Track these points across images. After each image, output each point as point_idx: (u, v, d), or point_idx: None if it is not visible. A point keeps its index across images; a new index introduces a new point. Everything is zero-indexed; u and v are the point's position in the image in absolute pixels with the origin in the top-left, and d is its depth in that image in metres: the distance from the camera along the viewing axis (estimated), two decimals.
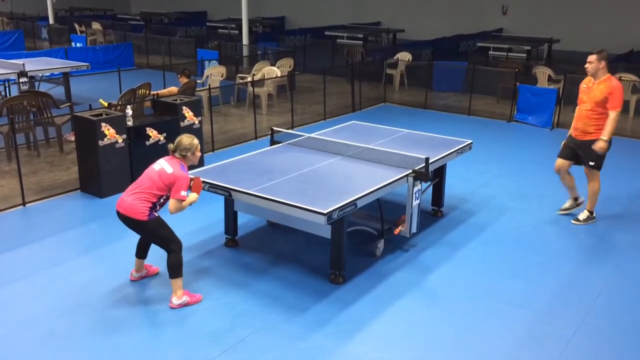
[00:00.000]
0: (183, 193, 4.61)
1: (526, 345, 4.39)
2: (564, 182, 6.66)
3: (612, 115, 6.04)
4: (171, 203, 4.63)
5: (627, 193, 7.49)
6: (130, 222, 4.70)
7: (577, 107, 6.39)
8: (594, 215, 6.57)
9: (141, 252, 5.08)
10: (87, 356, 4.18)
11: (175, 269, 4.71)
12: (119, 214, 4.75)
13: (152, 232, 4.75)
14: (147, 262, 5.20)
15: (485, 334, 4.52)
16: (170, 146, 4.80)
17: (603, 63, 6.08)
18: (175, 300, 4.73)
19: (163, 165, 4.70)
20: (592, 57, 6.12)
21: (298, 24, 24.61)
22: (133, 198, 4.64)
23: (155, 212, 4.71)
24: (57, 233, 6.15)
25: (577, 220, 6.55)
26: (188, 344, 4.31)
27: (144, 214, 4.62)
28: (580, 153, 6.37)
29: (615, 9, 19.49)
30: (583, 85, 6.35)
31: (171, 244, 4.72)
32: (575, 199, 6.73)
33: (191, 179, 4.81)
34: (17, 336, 4.41)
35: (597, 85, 6.13)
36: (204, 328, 4.51)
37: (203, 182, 5.08)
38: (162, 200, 4.71)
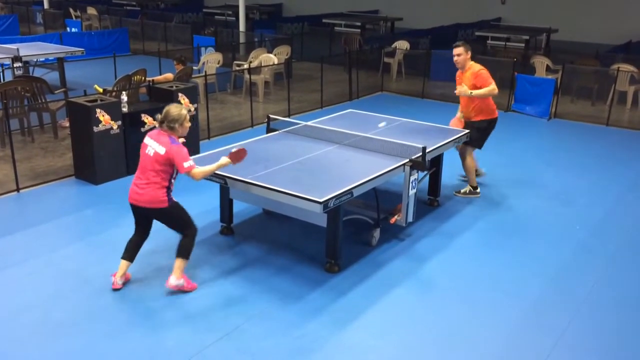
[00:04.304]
0: (187, 164, 4.48)
1: (521, 335, 4.40)
2: (463, 163, 6.93)
3: (488, 87, 6.55)
4: (190, 176, 4.54)
5: (622, 183, 7.49)
6: (150, 212, 4.63)
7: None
8: (478, 190, 6.91)
9: (132, 253, 4.80)
10: (81, 342, 4.17)
11: (186, 250, 4.68)
12: (136, 208, 4.63)
13: (173, 216, 4.67)
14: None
15: (480, 323, 4.52)
16: (158, 116, 4.62)
17: (469, 54, 6.60)
18: (174, 281, 4.67)
19: (154, 147, 4.53)
20: (459, 50, 6.56)
21: (295, 11, 24.46)
22: (149, 189, 4.53)
23: (172, 193, 4.65)
24: (51, 219, 6.12)
25: (458, 192, 6.92)
26: (182, 331, 4.30)
27: (164, 201, 4.57)
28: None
29: None
30: (457, 78, 6.76)
31: (188, 229, 4.71)
32: (475, 188, 6.93)
33: (236, 151, 4.76)
34: (11, 322, 4.39)
35: (465, 74, 6.64)
36: (199, 315, 4.50)
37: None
38: (173, 179, 4.64)
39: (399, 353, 4.17)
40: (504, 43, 16.89)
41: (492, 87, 6.56)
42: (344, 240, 5.25)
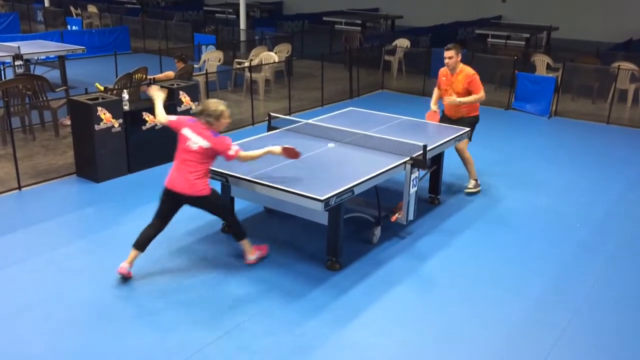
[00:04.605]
0: (232, 151, 4.75)
1: (521, 333, 4.41)
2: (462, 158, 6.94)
3: (477, 95, 6.65)
4: (238, 160, 4.83)
5: (622, 182, 7.50)
6: (190, 199, 4.79)
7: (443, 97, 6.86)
8: (478, 182, 6.98)
9: (145, 243, 4.89)
10: (82, 341, 4.18)
11: (240, 232, 5.05)
12: (173, 194, 4.77)
13: (214, 203, 4.90)
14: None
15: (480, 321, 4.53)
16: (196, 109, 4.80)
17: (460, 56, 6.66)
18: (252, 257, 5.11)
19: (198, 142, 4.70)
20: (451, 52, 6.60)
21: (296, 9, 24.43)
22: (191, 178, 4.71)
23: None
24: (52, 217, 6.13)
25: (468, 189, 6.93)
26: (184, 329, 4.31)
27: (207, 189, 4.78)
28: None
29: None
30: (442, 78, 6.86)
31: (227, 211, 5.06)
32: (476, 180, 6.98)
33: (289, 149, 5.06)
34: (12, 321, 4.40)
35: (457, 77, 6.68)
36: (200, 313, 4.51)
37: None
38: (210, 168, 4.90)
39: (399, 351, 4.18)
40: (504, 41, 16.88)
41: (481, 95, 6.67)
42: (345, 238, 5.26)
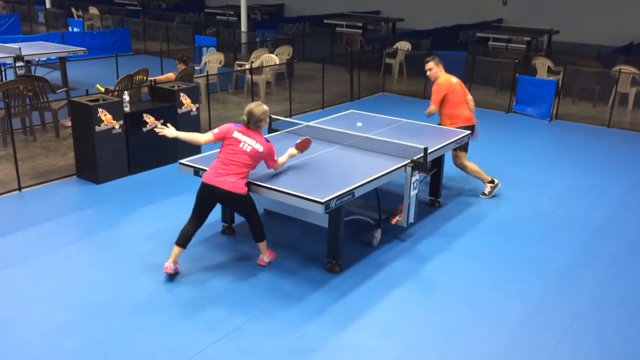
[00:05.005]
0: (275, 159, 5.05)
1: (522, 336, 4.40)
2: (468, 172, 6.96)
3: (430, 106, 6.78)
4: (274, 168, 5.12)
5: (623, 185, 7.49)
6: (228, 196, 4.86)
7: (462, 102, 6.81)
8: (495, 181, 6.97)
9: (186, 240, 4.99)
10: (82, 341, 4.17)
11: (260, 233, 5.13)
12: (214, 191, 4.84)
13: (248, 203, 4.98)
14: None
15: (481, 323, 4.52)
16: (243, 118, 4.93)
17: (440, 66, 6.79)
18: (266, 258, 5.22)
19: (252, 144, 4.86)
20: (429, 65, 6.77)
21: (297, 11, 24.46)
22: (234, 178, 4.81)
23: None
24: (53, 218, 6.12)
25: (485, 195, 6.94)
26: (184, 331, 4.31)
27: (245, 190, 4.88)
28: None
29: (615, 1, 19.42)
30: (458, 86, 6.81)
31: (255, 214, 5.07)
32: (491, 181, 6.96)
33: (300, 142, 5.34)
34: (12, 321, 4.39)
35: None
36: (200, 315, 4.50)
37: (203, 170, 5.13)
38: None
39: (400, 353, 4.18)
40: (505, 44, 16.90)
41: (430, 107, 6.76)
42: (345, 240, 5.26)
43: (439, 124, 6.97)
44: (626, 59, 12.83)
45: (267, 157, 4.99)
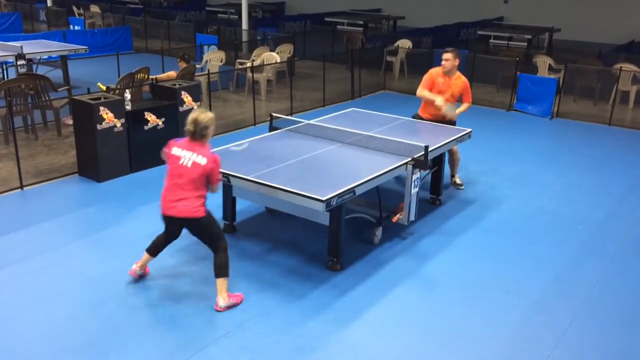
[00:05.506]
0: (219, 177, 4.54)
1: (522, 334, 4.41)
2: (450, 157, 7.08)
3: (469, 104, 6.95)
4: (214, 189, 4.54)
5: (624, 183, 7.49)
6: (186, 222, 4.50)
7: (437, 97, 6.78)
8: (458, 181, 7.18)
9: (157, 249, 4.79)
10: (83, 340, 4.19)
11: (223, 267, 4.53)
12: (173, 219, 4.49)
13: (207, 227, 4.53)
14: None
15: (481, 322, 4.54)
16: (189, 129, 4.39)
17: (457, 61, 6.79)
18: (222, 303, 4.51)
19: (194, 159, 4.36)
20: (449, 55, 6.72)
21: (298, 9, 24.44)
22: (186, 201, 4.38)
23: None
24: (54, 217, 6.14)
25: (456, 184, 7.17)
26: (185, 329, 4.32)
27: (202, 212, 4.45)
28: None
29: None
30: (440, 79, 6.82)
31: (220, 242, 4.56)
32: (455, 177, 7.20)
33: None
34: (13, 320, 4.41)
35: (455, 81, 6.82)
36: (201, 313, 4.51)
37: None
38: (207, 189, 4.53)
39: (400, 351, 4.19)
40: (506, 42, 16.89)
41: (470, 104, 6.95)
42: (346, 238, 5.27)
43: (420, 116, 7.12)
44: (627, 56, 12.81)
45: (211, 171, 4.39)
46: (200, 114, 4.42)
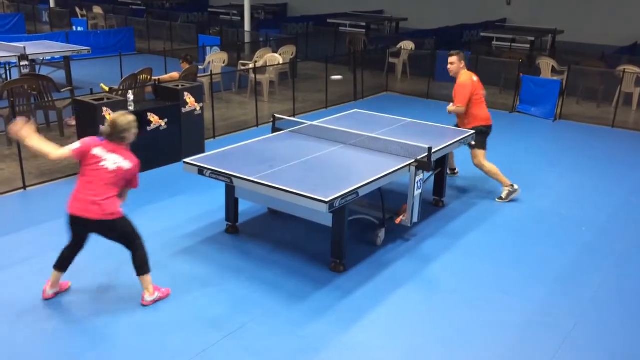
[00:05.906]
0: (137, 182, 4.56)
1: (526, 336, 4.39)
2: (485, 172, 6.89)
3: (455, 107, 6.70)
4: (125, 192, 4.56)
5: (627, 185, 7.48)
6: (99, 224, 4.34)
7: (481, 101, 6.70)
8: (515, 186, 6.83)
9: (65, 263, 4.59)
10: (85, 340, 4.18)
11: (144, 265, 4.51)
12: (82, 220, 4.32)
13: (122, 230, 4.43)
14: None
15: (484, 323, 4.52)
16: (105, 130, 4.34)
17: (462, 63, 6.65)
18: (148, 297, 4.56)
19: (118, 162, 4.33)
20: (452, 59, 6.61)
21: (300, 11, 24.46)
22: (104, 202, 4.28)
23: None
24: (56, 217, 6.11)
25: (500, 198, 6.81)
26: (187, 330, 4.32)
27: (118, 213, 4.36)
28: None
29: (619, 1, 19.37)
30: (478, 84, 6.71)
31: (137, 240, 4.49)
32: (511, 185, 6.83)
33: None
34: (17, 320, 4.41)
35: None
36: (204, 314, 4.51)
37: (207, 169, 4.98)
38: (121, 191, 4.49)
39: (403, 353, 4.18)
40: (509, 44, 16.86)
41: (459, 108, 6.64)
42: (349, 240, 5.26)
43: (457, 125, 6.92)
44: (630, 58, 12.81)
45: (133, 175, 4.43)
46: (120, 117, 4.37)
